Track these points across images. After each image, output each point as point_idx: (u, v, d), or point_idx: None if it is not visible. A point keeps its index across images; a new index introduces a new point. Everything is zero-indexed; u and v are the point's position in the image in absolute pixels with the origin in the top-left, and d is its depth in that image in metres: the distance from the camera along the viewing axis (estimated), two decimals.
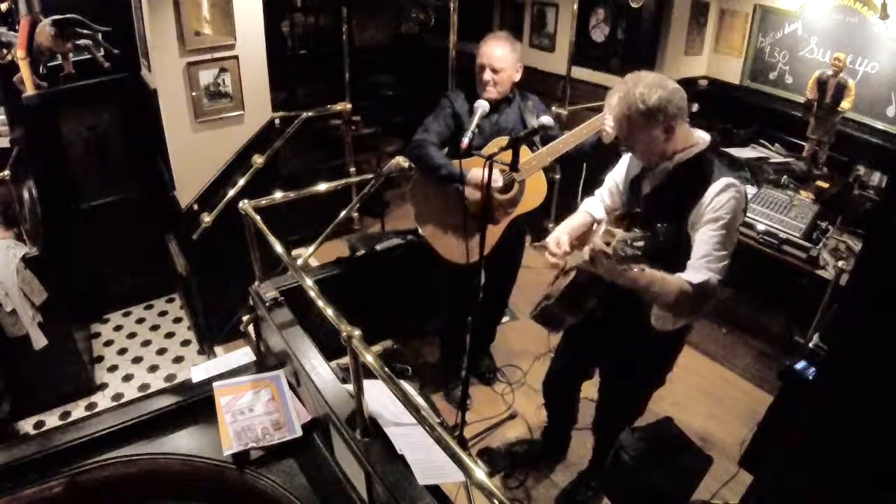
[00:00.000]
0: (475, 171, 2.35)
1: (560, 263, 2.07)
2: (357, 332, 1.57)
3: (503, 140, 2.22)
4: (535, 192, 2.56)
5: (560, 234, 2.09)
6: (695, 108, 4.38)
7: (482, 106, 2.30)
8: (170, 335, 4.02)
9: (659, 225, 1.73)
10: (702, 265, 1.74)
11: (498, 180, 2.45)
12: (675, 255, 1.80)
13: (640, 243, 1.58)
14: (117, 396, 3.51)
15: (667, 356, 2.12)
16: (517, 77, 2.52)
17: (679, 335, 2.06)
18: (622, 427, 2.13)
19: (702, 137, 1.84)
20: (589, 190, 2.34)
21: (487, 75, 2.45)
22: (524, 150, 2.44)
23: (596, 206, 2.23)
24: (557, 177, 4.19)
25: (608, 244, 1.64)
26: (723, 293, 3.55)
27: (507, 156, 2.01)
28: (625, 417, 2.24)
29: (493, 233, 2.58)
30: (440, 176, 2.48)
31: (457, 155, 2.46)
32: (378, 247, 3.15)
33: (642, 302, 1.86)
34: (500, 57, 2.44)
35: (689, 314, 1.86)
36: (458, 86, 3.31)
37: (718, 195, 1.74)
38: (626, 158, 2.11)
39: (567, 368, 2.42)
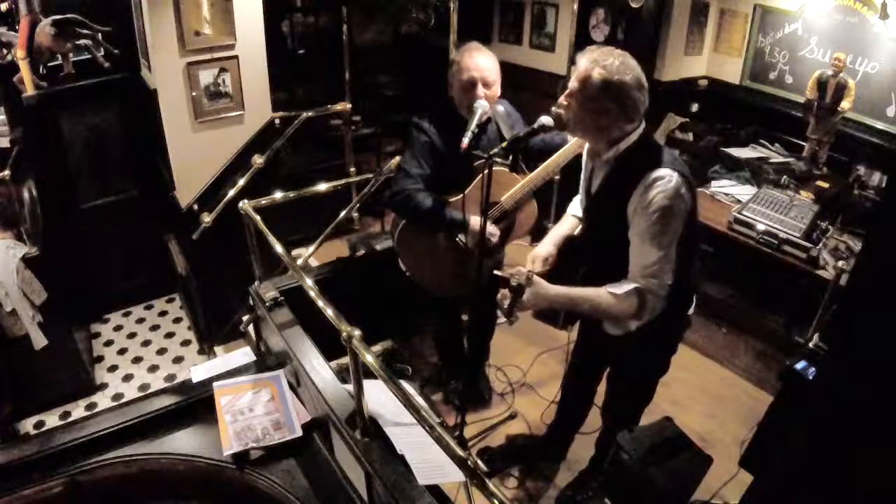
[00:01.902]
0: (475, 220, 2.25)
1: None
2: (357, 332, 1.57)
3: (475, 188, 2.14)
4: (526, 217, 2.48)
5: (539, 251, 2.08)
6: (694, 108, 4.39)
7: (482, 106, 2.24)
8: (170, 335, 4.02)
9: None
10: (634, 273, 1.73)
11: (494, 235, 2.34)
12: (622, 255, 1.78)
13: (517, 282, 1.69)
14: (117, 396, 3.51)
15: (669, 342, 2.11)
16: (499, 91, 2.37)
17: (677, 324, 2.04)
18: (630, 414, 2.12)
19: (639, 129, 1.80)
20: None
21: (481, 91, 2.26)
22: (513, 178, 2.36)
23: (576, 208, 2.21)
24: (557, 177, 4.18)
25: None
26: (722, 293, 3.57)
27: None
28: (633, 405, 2.24)
29: (488, 266, 2.50)
30: (438, 225, 2.35)
31: (441, 188, 2.39)
32: (378, 247, 3.15)
33: None
34: (492, 68, 2.29)
35: (632, 320, 1.82)
36: None
37: (645, 191, 1.68)
38: (583, 158, 2.06)
39: (582, 362, 2.43)
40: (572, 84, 1.74)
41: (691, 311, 2.05)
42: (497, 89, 2.33)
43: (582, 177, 2.07)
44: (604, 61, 1.67)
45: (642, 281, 1.71)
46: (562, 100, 1.80)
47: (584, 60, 1.72)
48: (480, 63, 2.27)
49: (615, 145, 1.78)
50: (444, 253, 2.49)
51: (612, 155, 1.80)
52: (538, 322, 2.21)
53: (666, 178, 1.68)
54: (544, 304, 1.77)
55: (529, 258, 2.06)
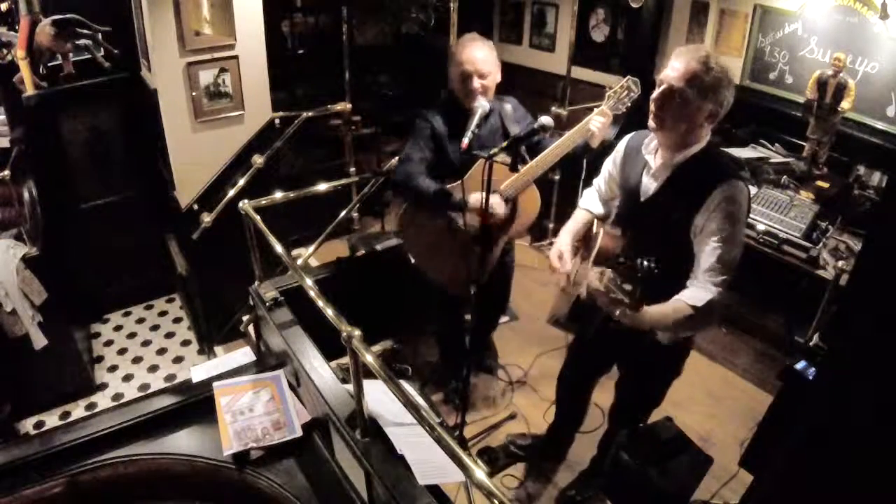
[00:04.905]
0: (475, 196, 2.26)
1: (563, 276, 2.05)
2: (357, 332, 1.56)
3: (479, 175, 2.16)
4: (529, 207, 2.48)
5: (561, 246, 2.07)
6: None
7: (482, 106, 2.26)
8: (170, 335, 4.02)
9: (643, 262, 1.55)
10: (706, 280, 1.71)
11: (500, 206, 2.35)
12: (679, 261, 1.77)
13: (629, 287, 1.57)
14: (117, 396, 3.51)
15: (681, 348, 2.11)
16: (499, 77, 2.43)
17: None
18: (639, 417, 2.12)
19: (708, 135, 1.81)
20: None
21: (476, 83, 2.33)
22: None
23: (593, 199, 2.21)
24: (557, 177, 4.19)
25: (602, 277, 1.64)
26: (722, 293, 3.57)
27: (503, 159, 1.99)
28: (644, 408, 2.25)
29: (493, 254, 2.53)
30: (439, 204, 2.38)
31: (441, 176, 2.41)
32: (378, 247, 3.15)
33: None
34: (485, 60, 2.34)
35: (696, 331, 1.84)
36: None
37: (721, 204, 1.68)
38: (622, 145, 2.06)
39: (581, 367, 2.42)
40: (677, 83, 1.67)
41: None
42: (493, 79, 2.37)
43: (615, 165, 2.05)
44: (713, 63, 1.66)
45: (714, 290, 1.70)
46: (655, 96, 1.74)
47: (693, 61, 1.67)
48: (475, 55, 2.32)
49: (687, 149, 1.76)
50: (446, 242, 2.50)
51: (681, 160, 1.77)
52: (538, 322, 2.20)
53: (740, 189, 1.69)
54: (644, 326, 1.73)
55: (554, 255, 2.04)
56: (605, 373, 2.40)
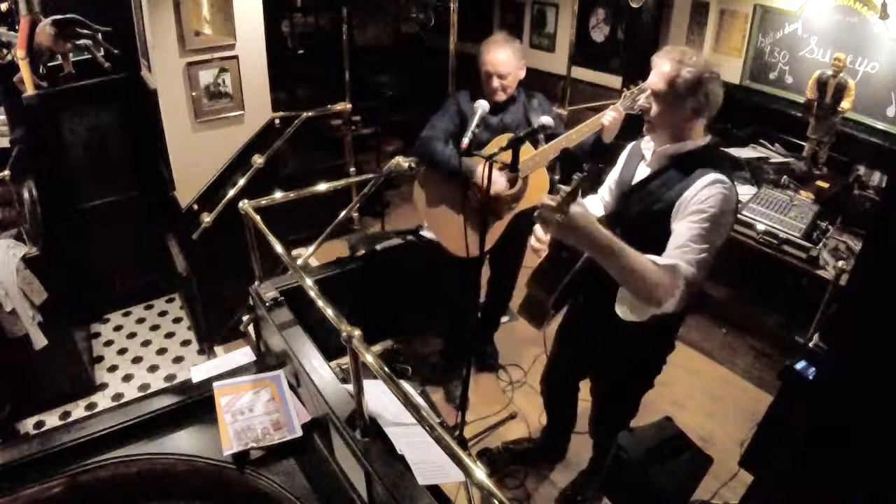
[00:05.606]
0: (481, 169, 2.40)
1: (543, 248, 2.02)
2: (357, 332, 1.56)
3: (504, 139, 2.24)
4: (538, 188, 2.59)
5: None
6: None
7: (482, 106, 2.28)
8: (170, 335, 4.03)
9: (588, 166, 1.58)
10: (676, 255, 1.65)
11: (500, 183, 2.52)
12: (653, 247, 1.73)
13: (574, 182, 1.48)
14: (117, 396, 3.51)
15: (653, 358, 2.11)
16: (522, 74, 2.59)
17: (664, 337, 2.04)
18: (616, 428, 2.12)
19: (708, 136, 1.84)
20: (588, 189, 2.34)
21: (496, 83, 2.52)
22: (528, 146, 2.47)
23: (594, 203, 2.22)
24: (557, 177, 4.19)
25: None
26: (722, 293, 3.57)
27: (507, 156, 2.01)
28: (617, 419, 2.24)
29: (497, 228, 2.65)
30: (447, 172, 2.55)
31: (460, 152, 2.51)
32: (378, 247, 3.14)
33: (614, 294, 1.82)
34: (505, 62, 2.50)
35: (652, 301, 1.65)
36: (458, 86, 3.35)
37: (705, 188, 1.69)
38: (623, 153, 2.10)
39: (560, 367, 2.43)
40: (657, 86, 1.76)
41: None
42: (514, 78, 2.56)
43: (617, 171, 2.09)
44: (689, 60, 1.70)
45: (682, 263, 1.63)
46: (643, 102, 1.85)
47: (667, 62, 1.73)
48: (494, 58, 2.51)
49: (682, 142, 1.80)
50: (456, 208, 2.64)
51: (674, 151, 1.81)
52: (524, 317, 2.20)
53: (727, 185, 1.71)
54: (582, 234, 1.53)
55: (539, 228, 2.04)
56: (583, 378, 2.42)
